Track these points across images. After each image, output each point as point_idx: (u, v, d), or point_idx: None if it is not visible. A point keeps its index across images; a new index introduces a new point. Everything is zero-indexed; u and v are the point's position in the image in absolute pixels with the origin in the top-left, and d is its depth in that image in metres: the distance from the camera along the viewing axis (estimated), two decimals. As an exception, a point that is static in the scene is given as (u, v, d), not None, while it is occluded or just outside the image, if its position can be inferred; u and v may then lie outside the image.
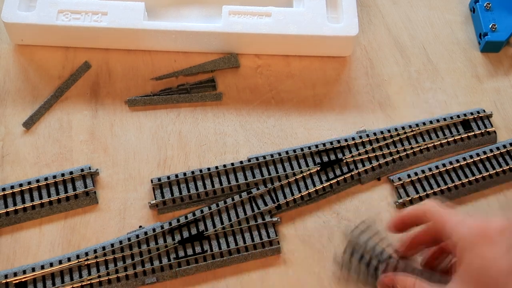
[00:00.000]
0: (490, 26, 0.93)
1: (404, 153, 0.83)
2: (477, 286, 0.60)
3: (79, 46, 0.89)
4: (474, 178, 0.82)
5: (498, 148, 0.84)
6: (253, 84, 0.89)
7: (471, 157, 0.84)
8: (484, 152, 0.84)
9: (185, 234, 0.75)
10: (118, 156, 0.82)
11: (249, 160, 0.81)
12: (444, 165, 0.83)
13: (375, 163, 0.82)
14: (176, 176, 0.79)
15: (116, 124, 0.84)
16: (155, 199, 0.78)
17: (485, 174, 0.83)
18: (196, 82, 0.88)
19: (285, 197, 0.79)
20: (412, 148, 0.84)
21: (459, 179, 0.82)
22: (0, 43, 0.90)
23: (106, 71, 0.88)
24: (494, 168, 0.83)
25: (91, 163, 0.81)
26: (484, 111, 0.88)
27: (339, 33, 0.88)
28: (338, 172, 0.82)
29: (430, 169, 0.82)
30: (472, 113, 0.87)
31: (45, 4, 0.86)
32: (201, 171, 0.80)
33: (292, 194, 0.79)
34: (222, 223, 0.76)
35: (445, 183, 0.82)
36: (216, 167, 0.80)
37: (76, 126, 0.84)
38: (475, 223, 0.62)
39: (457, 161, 0.83)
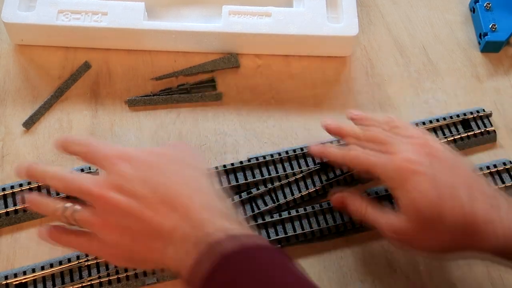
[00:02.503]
0: (490, 26, 0.93)
1: (404, 153, 0.83)
2: (419, 218, 0.65)
3: (79, 46, 0.89)
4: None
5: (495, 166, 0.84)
6: (253, 84, 0.89)
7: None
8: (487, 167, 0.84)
9: (186, 234, 0.75)
10: (118, 156, 0.82)
11: (249, 160, 0.81)
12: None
13: (375, 163, 0.82)
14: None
15: (116, 124, 0.84)
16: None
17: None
18: (196, 82, 0.88)
19: (285, 197, 0.79)
20: (412, 148, 0.84)
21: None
22: (0, 43, 0.90)
23: (106, 71, 0.88)
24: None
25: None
26: (484, 110, 0.88)
27: (339, 33, 0.88)
28: (338, 172, 0.82)
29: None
30: (471, 113, 0.87)
31: (45, 4, 0.86)
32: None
33: (292, 194, 0.79)
34: (222, 223, 0.76)
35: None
36: (216, 167, 0.80)
37: (76, 126, 0.84)
38: (398, 163, 0.67)
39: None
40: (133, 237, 0.61)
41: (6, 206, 0.76)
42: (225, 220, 0.60)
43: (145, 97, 0.85)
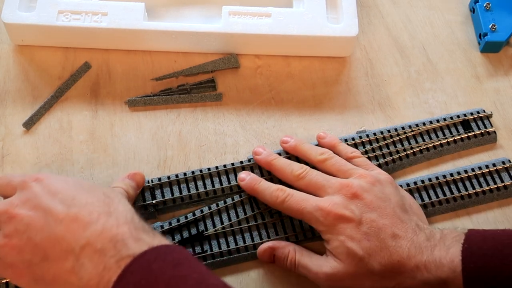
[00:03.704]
0: (490, 26, 0.93)
1: (404, 153, 0.83)
2: (349, 260, 0.68)
3: (79, 47, 0.90)
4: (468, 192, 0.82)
5: (494, 165, 0.84)
6: (253, 85, 0.89)
7: (465, 171, 0.83)
8: (479, 168, 0.84)
9: (185, 234, 0.75)
10: (118, 156, 0.82)
11: (249, 160, 0.81)
12: (444, 176, 0.83)
13: (375, 163, 0.82)
14: (176, 176, 0.79)
15: (116, 124, 0.84)
16: (155, 198, 0.78)
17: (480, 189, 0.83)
18: (196, 82, 0.88)
19: (285, 197, 0.79)
20: (412, 148, 0.84)
21: (455, 192, 0.82)
22: (0, 43, 0.90)
23: (106, 71, 0.88)
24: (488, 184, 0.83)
25: (91, 163, 0.81)
26: (484, 111, 0.88)
27: (339, 33, 0.88)
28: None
29: (430, 179, 0.82)
30: (472, 113, 0.87)
31: (45, 4, 0.86)
32: (201, 171, 0.80)
33: (292, 194, 0.79)
34: (222, 223, 0.76)
35: (444, 194, 0.82)
36: (216, 167, 0.80)
37: (76, 126, 0.84)
38: (325, 207, 0.70)
39: (458, 173, 0.83)
40: (43, 254, 0.61)
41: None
42: (146, 235, 0.62)
43: (145, 98, 0.85)
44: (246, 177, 0.77)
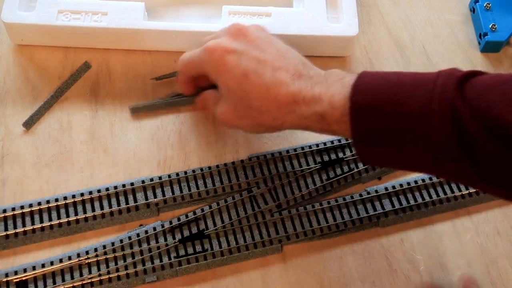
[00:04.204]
0: (490, 26, 0.93)
1: (405, 153, 0.83)
2: (232, 98, 0.72)
3: (79, 46, 0.89)
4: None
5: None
6: (253, 84, 0.89)
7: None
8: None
9: (186, 232, 0.75)
10: (118, 156, 0.82)
11: (249, 159, 0.81)
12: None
13: (375, 162, 0.82)
14: (177, 174, 0.79)
15: (116, 124, 0.84)
16: (156, 197, 0.78)
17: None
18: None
19: (285, 196, 0.79)
20: (412, 147, 0.84)
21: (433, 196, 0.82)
22: (0, 43, 0.90)
23: (106, 71, 0.88)
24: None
25: (91, 163, 0.81)
26: (484, 111, 0.88)
27: (339, 33, 0.88)
28: (338, 171, 0.82)
29: (430, 178, 0.82)
30: (472, 113, 0.87)
31: (45, 4, 0.86)
32: (202, 169, 0.80)
33: (293, 193, 0.79)
34: (222, 221, 0.76)
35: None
36: (217, 166, 0.80)
37: (76, 126, 0.84)
38: (209, 46, 0.72)
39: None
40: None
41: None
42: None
43: (148, 104, 0.85)
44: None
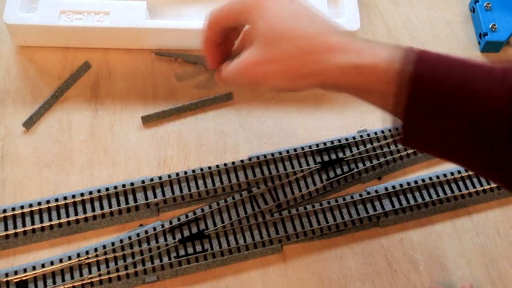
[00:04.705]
0: (490, 26, 0.93)
1: (405, 152, 0.83)
2: (270, 39, 0.64)
3: (81, 47, 0.89)
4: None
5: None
6: (253, 84, 0.89)
7: (466, 170, 0.83)
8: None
9: (186, 233, 0.76)
10: (118, 156, 0.82)
11: (249, 159, 0.81)
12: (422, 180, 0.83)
13: (375, 162, 0.82)
14: (177, 174, 0.79)
15: (116, 124, 0.84)
16: (156, 197, 0.78)
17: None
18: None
19: (285, 196, 0.79)
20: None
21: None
22: (0, 43, 0.90)
23: (106, 71, 0.88)
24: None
25: (91, 163, 0.81)
26: (484, 111, 0.88)
27: (340, 28, 0.88)
28: (338, 171, 0.82)
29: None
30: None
31: (47, 5, 0.86)
32: (201, 169, 0.80)
33: (293, 193, 0.79)
34: (222, 221, 0.76)
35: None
36: (217, 166, 0.80)
37: (76, 126, 0.84)
38: None
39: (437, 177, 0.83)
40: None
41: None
42: None
43: (159, 112, 0.85)
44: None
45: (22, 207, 0.76)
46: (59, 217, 0.76)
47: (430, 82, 0.57)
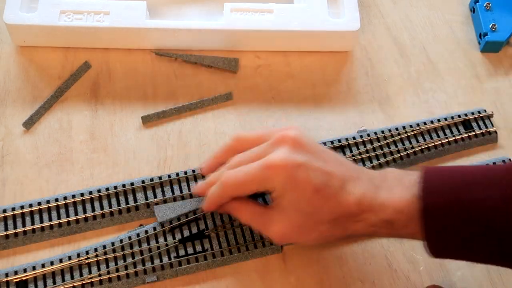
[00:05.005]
0: (490, 26, 0.93)
1: (405, 153, 0.83)
2: (299, 214, 0.67)
3: (81, 47, 0.89)
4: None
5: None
6: (253, 84, 0.89)
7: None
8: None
9: (186, 233, 0.75)
10: (118, 156, 0.82)
11: (249, 159, 0.81)
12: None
13: (375, 162, 0.82)
14: (177, 174, 0.79)
15: (116, 124, 0.84)
16: (156, 197, 0.78)
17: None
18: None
19: (285, 196, 0.79)
20: (412, 147, 0.84)
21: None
22: (0, 43, 0.90)
23: (106, 71, 0.88)
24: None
25: (91, 163, 0.81)
26: (485, 111, 0.88)
27: (341, 28, 0.88)
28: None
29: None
30: (473, 113, 0.87)
31: (47, 5, 0.86)
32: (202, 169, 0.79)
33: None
34: (222, 221, 0.76)
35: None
36: (217, 166, 0.80)
37: (76, 126, 0.84)
38: (276, 163, 0.66)
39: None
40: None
41: (5, 211, 0.76)
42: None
43: (159, 112, 0.85)
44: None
45: (22, 207, 0.76)
46: (59, 217, 0.76)
47: (437, 208, 0.62)
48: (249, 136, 0.73)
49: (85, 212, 0.76)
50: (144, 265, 0.73)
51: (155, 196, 0.78)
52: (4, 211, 0.75)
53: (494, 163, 0.83)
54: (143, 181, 0.78)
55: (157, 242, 0.74)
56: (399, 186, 0.65)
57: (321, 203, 0.66)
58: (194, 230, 0.75)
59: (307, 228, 0.67)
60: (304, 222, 0.67)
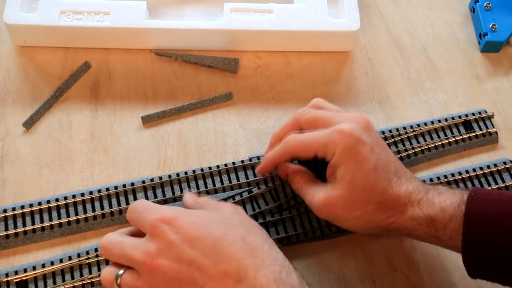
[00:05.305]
0: (490, 26, 0.93)
1: (405, 153, 0.83)
2: (352, 187, 0.67)
3: (81, 47, 0.90)
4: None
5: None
6: (253, 84, 0.89)
7: (466, 171, 0.84)
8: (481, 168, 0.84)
9: (186, 233, 0.75)
10: (118, 156, 0.82)
11: (249, 159, 0.81)
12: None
13: (375, 162, 0.82)
14: (177, 174, 0.79)
15: (116, 124, 0.84)
16: (157, 197, 0.78)
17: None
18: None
19: (286, 196, 0.78)
20: (413, 148, 0.84)
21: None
22: (0, 43, 0.90)
23: (106, 71, 0.88)
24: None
25: (91, 163, 0.81)
26: (486, 111, 0.88)
27: (341, 28, 0.89)
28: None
29: (431, 179, 0.82)
30: (473, 114, 0.87)
31: (47, 5, 0.86)
32: (202, 169, 0.79)
33: (293, 193, 0.78)
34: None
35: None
36: (217, 166, 0.80)
37: (76, 126, 0.84)
38: (342, 129, 0.68)
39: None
40: None
41: (5, 211, 0.76)
42: None
43: (159, 112, 0.85)
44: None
45: (22, 207, 0.76)
46: (59, 217, 0.76)
47: (482, 216, 0.63)
48: (323, 110, 0.74)
49: (85, 212, 0.76)
50: (144, 265, 0.73)
51: (155, 196, 0.78)
52: (5, 211, 0.75)
53: (495, 164, 0.83)
54: (143, 181, 0.78)
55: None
56: (448, 193, 0.67)
57: (375, 182, 0.67)
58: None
59: (354, 203, 0.67)
60: (352, 196, 0.67)
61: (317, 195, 0.69)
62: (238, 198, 0.78)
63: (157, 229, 0.61)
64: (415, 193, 0.67)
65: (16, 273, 0.71)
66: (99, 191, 0.78)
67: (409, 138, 0.85)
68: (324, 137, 0.68)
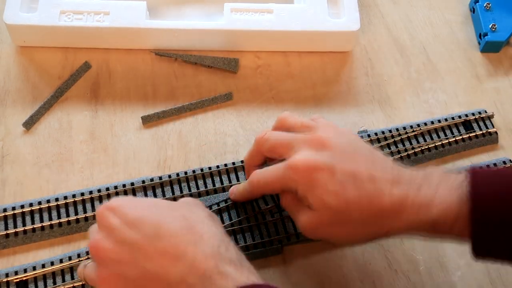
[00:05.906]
0: (490, 26, 0.93)
1: (405, 153, 0.83)
2: (328, 213, 0.64)
3: (81, 47, 0.90)
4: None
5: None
6: (253, 84, 0.89)
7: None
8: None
9: (186, 233, 0.75)
10: (118, 156, 0.82)
11: (250, 159, 0.81)
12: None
13: (375, 162, 0.82)
14: (177, 174, 0.79)
15: (116, 124, 0.84)
16: (157, 197, 0.78)
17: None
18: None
19: (286, 196, 0.79)
20: (413, 148, 0.84)
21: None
22: (0, 43, 0.90)
23: (106, 71, 0.88)
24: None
25: (91, 163, 0.81)
26: (486, 111, 0.88)
27: (341, 28, 0.89)
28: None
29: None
30: (473, 114, 0.87)
31: (47, 5, 0.86)
32: (202, 170, 0.79)
33: (293, 193, 0.79)
34: (222, 222, 0.76)
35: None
36: (217, 166, 0.80)
37: (76, 126, 0.84)
38: (297, 164, 0.65)
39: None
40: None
41: (5, 210, 0.76)
42: (232, 268, 0.59)
43: (159, 112, 0.85)
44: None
45: (22, 207, 0.76)
46: (59, 217, 0.76)
47: (490, 213, 0.60)
48: (292, 120, 0.72)
49: (85, 212, 0.76)
50: (144, 265, 0.73)
51: (155, 196, 0.78)
52: (5, 210, 0.75)
53: (494, 164, 0.83)
54: (143, 181, 0.78)
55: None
56: (444, 187, 0.63)
57: (348, 199, 0.64)
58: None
59: (337, 224, 0.65)
60: (332, 218, 0.64)
61: (302, 219, 0.67)
62: (238, 198, 0.78)
63: (101, 217, 0.62)
64: (402, 198, 0.63)
65: (16, 273, 0.71)
66: (99, 191, 0.78)
67: (409, 138, 0.85)
68: (282, 176, 0.67)
